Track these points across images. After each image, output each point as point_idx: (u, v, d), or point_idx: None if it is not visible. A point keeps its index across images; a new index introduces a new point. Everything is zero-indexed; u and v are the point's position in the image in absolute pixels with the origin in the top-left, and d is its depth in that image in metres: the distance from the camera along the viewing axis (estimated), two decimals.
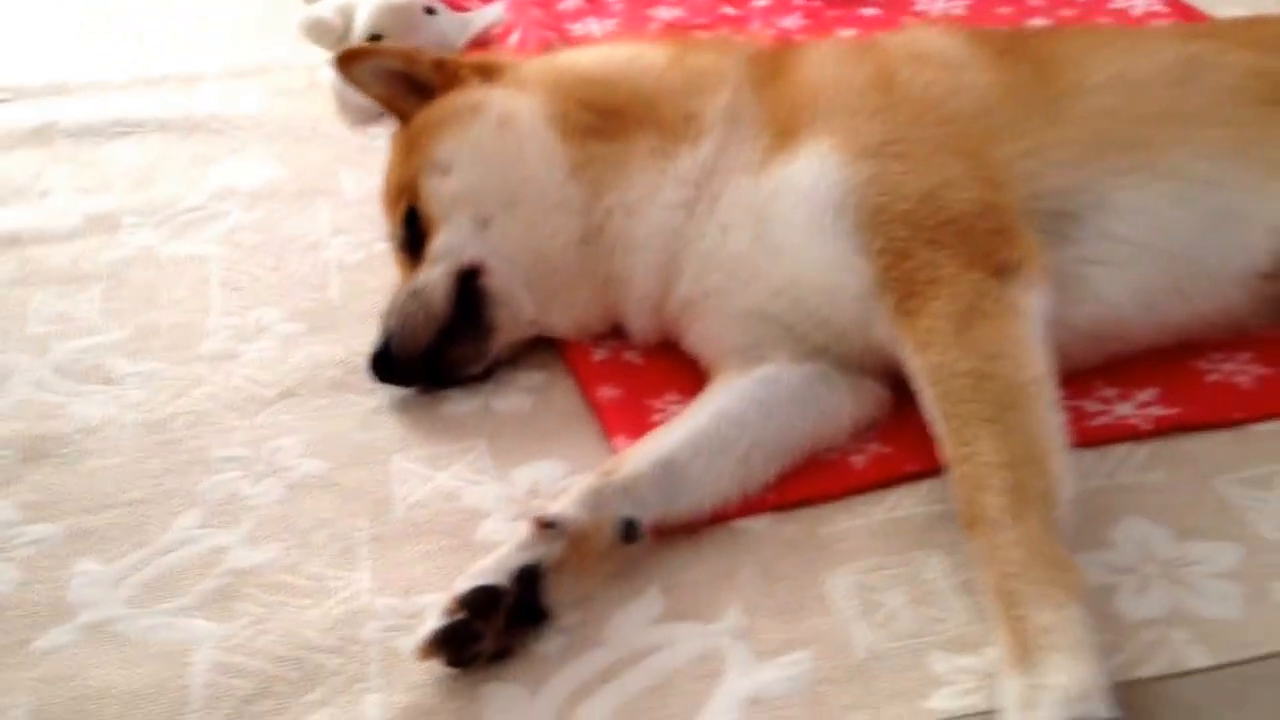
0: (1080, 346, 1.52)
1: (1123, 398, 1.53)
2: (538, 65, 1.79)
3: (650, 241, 1.61)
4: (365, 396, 1.67)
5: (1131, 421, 1.49)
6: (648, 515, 1.37)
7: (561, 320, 1.70)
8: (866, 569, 1.34)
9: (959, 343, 1.35)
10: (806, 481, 1.46)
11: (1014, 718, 1.11)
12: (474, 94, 1.73)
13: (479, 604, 1.24)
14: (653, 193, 1.61)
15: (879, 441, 1.50)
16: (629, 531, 1.35)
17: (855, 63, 1.64)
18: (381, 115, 2.46)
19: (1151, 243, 1.52)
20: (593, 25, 2.82)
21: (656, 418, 1.57)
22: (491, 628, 1.24)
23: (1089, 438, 1.47)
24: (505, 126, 1.68)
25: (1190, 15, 2.57)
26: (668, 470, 1.40)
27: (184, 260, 2.05)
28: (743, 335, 1.55)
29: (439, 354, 1.64)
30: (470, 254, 1.65)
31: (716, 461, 1.43)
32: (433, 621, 1.23)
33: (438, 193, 1.68)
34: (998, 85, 1.59)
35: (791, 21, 2.74)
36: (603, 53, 1.79)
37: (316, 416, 1.64)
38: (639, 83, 1.68)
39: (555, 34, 2.72)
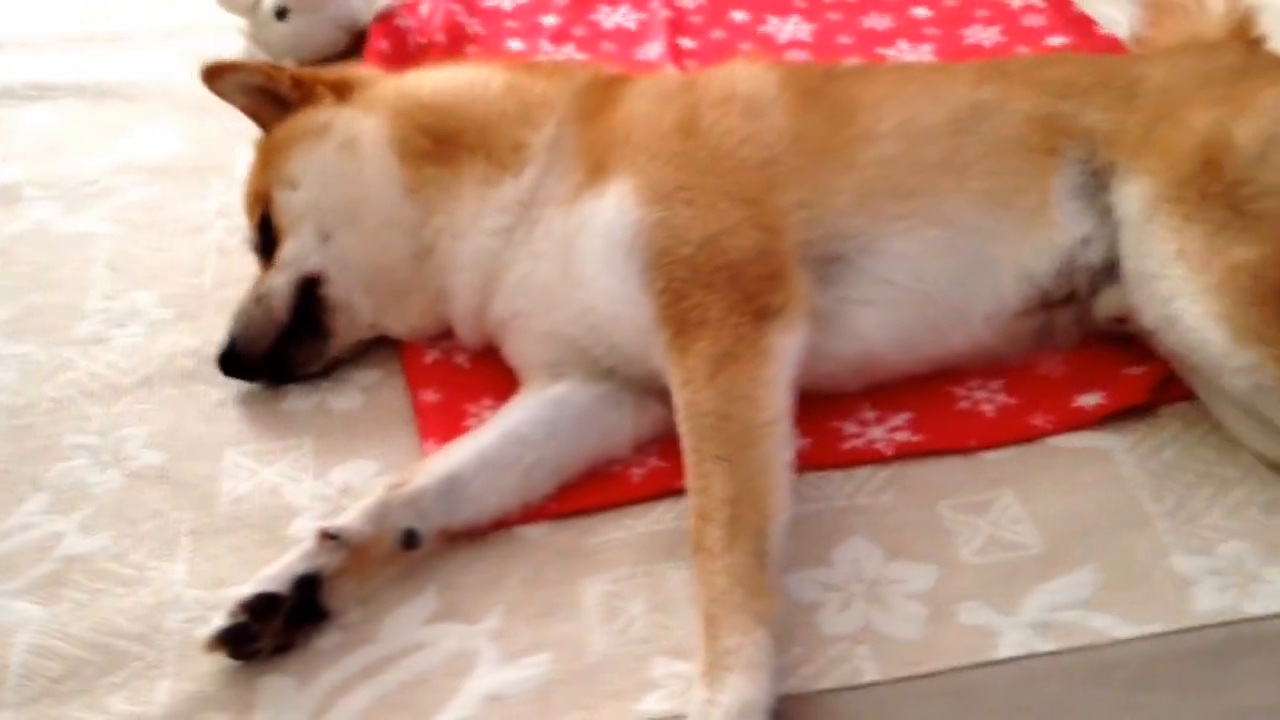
0: (843, 376, 1.69)
1: (879, 421, 1.69)
2: (387, 86, 1.91)
3: (471, 263, 1.76)
4: (213, 388, 1.84)
5: (878, 446, 1.65)
6: (430, 525, 1.54)
7: (397, 324, 1.86)
8: (618, 578, 1.51)
9: (710, 384, 1.51)
10: (586, 492, 1.63)
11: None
12: (324, 114, 1.86)
13: (259, 609, 1.42)
14: (476, 218, 1.75)
15: (659, 456, 1.67)
16: (409, 540, 1.53)
17: (668, 104, 1.76)
18: None
19: (912, 286, 1.66)
20: None
21: (470, 422, 1.74)
22: (269, 629, 1.43)
23: (838, 459, 1.64)
24: (348, 148, 1.82)
25: (1066, 9, 2.68)
26: (451, 484, 1.57)
27: (76, 238, 2.20)
28: (545, 353, 1.71)
29: (280, 354, 1.80)
30: (312, 264, 1.81)
31: (499, 476, 1.59)
32: (218, 621, 1.42)
33: (287, 205, 1.83)
34: (791, 133, 1.72)
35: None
36: (445, 77, 1.91)
37: (165, 406, 1.81)
38: (472, 110, 1.81)
39: (463, 7, 2.83)
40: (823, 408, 1.70)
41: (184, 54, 2.73)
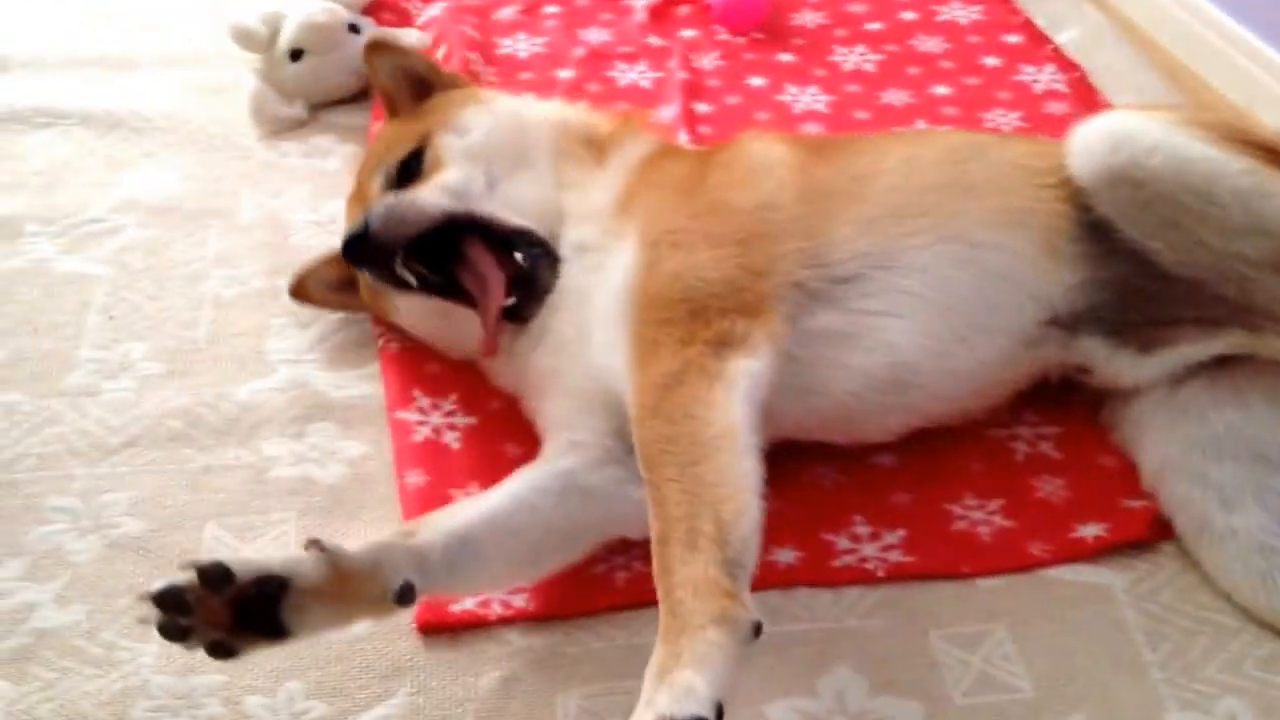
0: (883, 399, 1.66)
1: (873, 537, 1.66)
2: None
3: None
4: (199, 453, 1.81)
5: (869, 566, 1.62)
6: (428, 584, 1.45)
7: None
8: (594, 694, 1.48)
9: (656, 413, 1.47)
10: (566, 594, 1.59)
11: (636, 713, 1.23)
12: (485, 93, 2.02)
13: (209, 577, 1.29)
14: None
15: (644, 560, 1.61)
16: (404, 596, 1.39)
17: (686, 166, 1.81)
18: (296, 126, 2.60)
19: (936, 298, 1.65)
20: (522, 43, 2.90)
21: None
22: (210, 607, 1.29)
23: (829, 578, 1.61)
24: (514, 116, 1.91)
25: (1089, 97, 2.65)
26: (463, 545, 1.49)
27: (73, 278, 2.16)
28: (568, 413, 1.67)
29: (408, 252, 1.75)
30: (472, 203, 1.78)
31: (508, 544, 1.53)
32: (160, 581, 1.29)
33: (452, 146, 1.84)
34: (795, 186, 1.74)
35: (709, 61, 2.82)
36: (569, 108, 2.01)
37: (149, 470, 1.78)
38: (598, 127, 1.93)
39: (479, 54, 2.81)
40: (814, 518, 1.67)
41: (193, 86, 2.74)
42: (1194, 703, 1.45)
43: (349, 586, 1.37)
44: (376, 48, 2.07)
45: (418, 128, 1.90)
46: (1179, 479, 1.63)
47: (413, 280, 1.77)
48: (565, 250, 1.76)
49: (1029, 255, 1.68)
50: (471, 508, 1.56)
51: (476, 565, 1.51)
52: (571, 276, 1.73)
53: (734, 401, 1.48)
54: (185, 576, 1.30)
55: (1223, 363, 1.68)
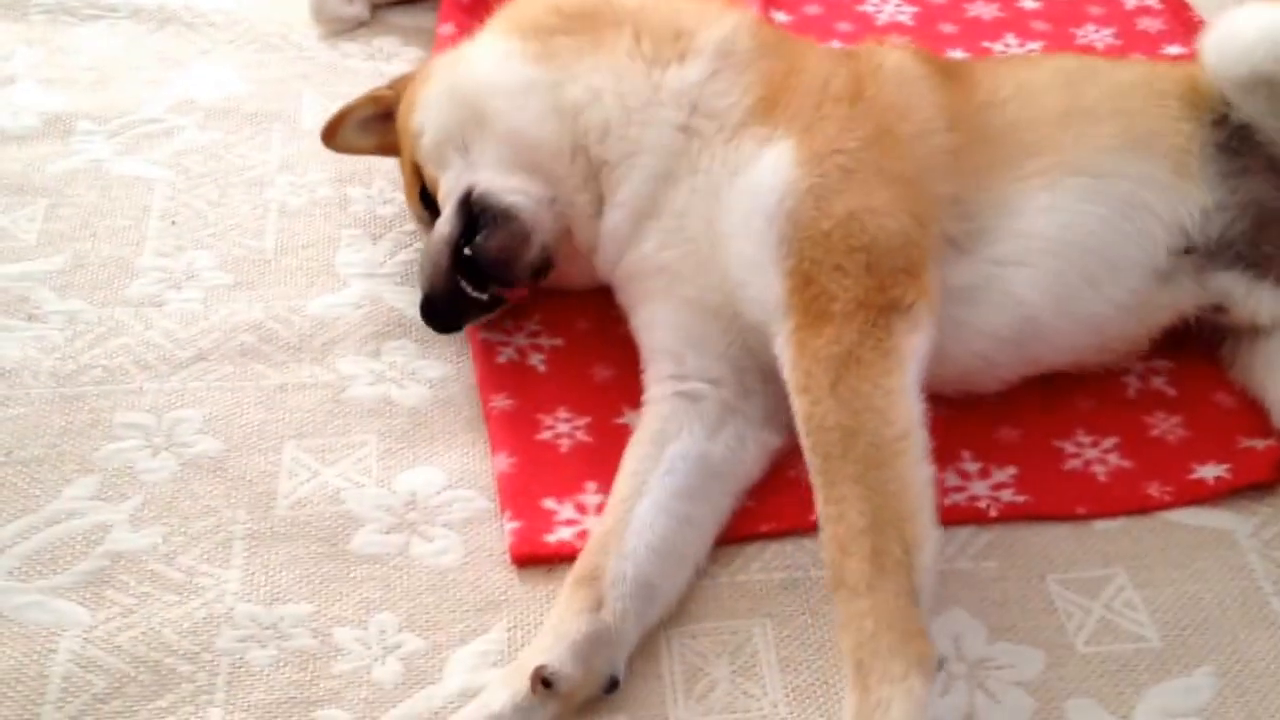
0: (1006, 356, 1.58)
1: (982, 474, 1.59)
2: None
3: (654, 147, 1.61)
4: (273, 370, 1.73)
5: (980, 505, 1.54)
6: (627, 654, 1.38)
7: (567, 203, 1.67)
8: (699, 634, 1.41)
9: (833, 393, 1.38)
10: None
11: None
12: (421, 73, 1.83)
13: None
14: (651, 103, 1.62)
15: (746, 496, 1.56)
16: (612, 686, 1.36)
17: (836, 66, 1.64)
18: (357, 26, 2.49)
19: (1063, 237, 1.56)
20: None
21: (544, 434, 1.64)
22: None
23: (940, 516, 1.53)
24: (451, 68, 1.75)
25: (1183, 13, 2.53)
26: (648, 600, 1.41)
27: (130, 181, 2.07)
28: (682, 330, 1.59)
29: (472, 266, 1.64)
30: (465, 180, 1.68)
31: (678, 573, 1.45)
32: None
33: (426, 154, 1.74)
34: (941, 114, 1.60)
35: None
36: None
37: (222, 387, 1.70)
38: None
39: None
40: None
41: None
42: None
43: (570, 699, 1.33)
44: (328, 136, 1.94)
45: (407, 160, 1.81)
46: None
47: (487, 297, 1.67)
48: (663, 141, 1.60)
49: (1159, 180, 1.59)
50: (637, 540, 1.44)
51: (660, 609, 1.43)
52: (696, 172, 1.59)
53: (911, 393, 1.40)
54: None
55: None
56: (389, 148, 1.89)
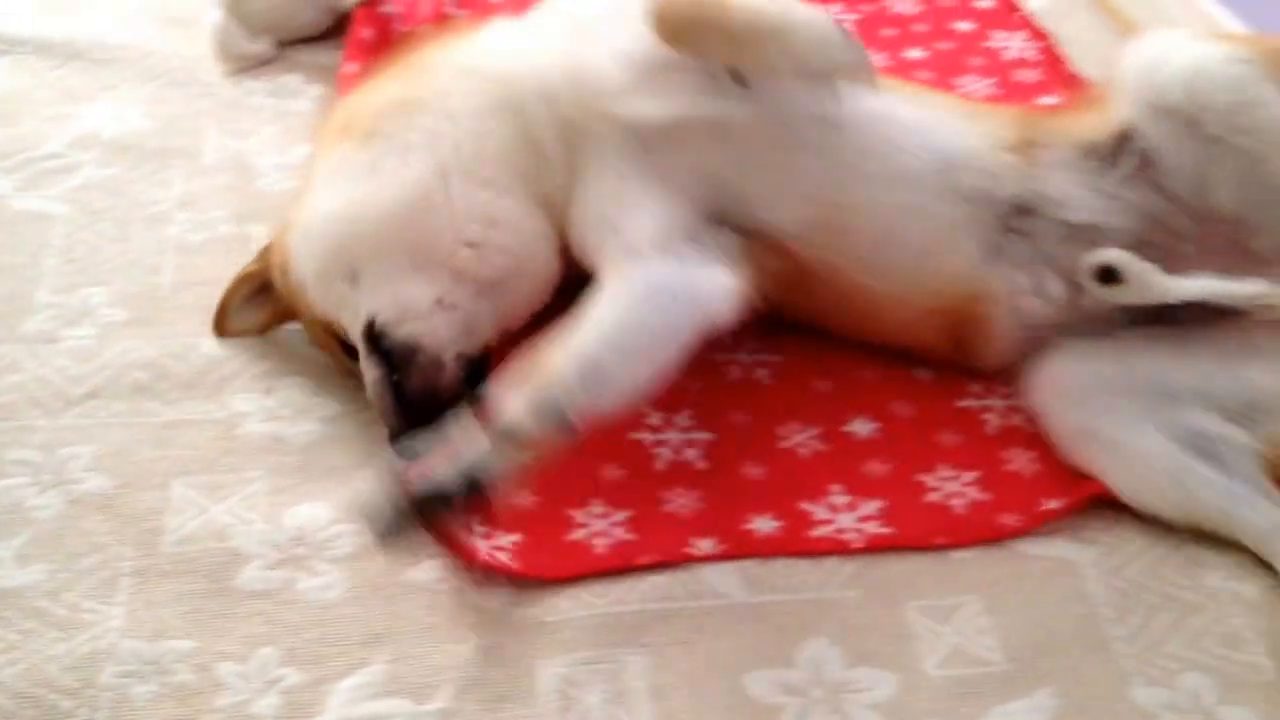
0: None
1: (850, 508, 1.66)
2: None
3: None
4: (165, 407, 1.77)
5: (847, 537, 1.62)
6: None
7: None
8: (576, 662, 1.47)
9: None
10: (546, 561, 1.58)
11: None
12: (277, 236, 1.83)
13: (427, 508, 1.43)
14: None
15: (625, 527, 1.63)
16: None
17: None
18: (262, 64, 2.53)
19: None
20: None
21: None
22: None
23: (807, 548, 1.61)
24: (303, 207, 1.79)
25: (1058, 66, 2.64)
26: (599, 378, 1.51)
27: (29, 217, 2.10)
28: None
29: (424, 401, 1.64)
30: (364, 312, 1.67)
31: (631, 365, 1.54)
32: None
33: (319, 303, 1.73)
34: None
35: None
36: None
37: (113, 424, 1.74)
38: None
39: None
40: (793, 488, 1.68)
41: (156, 16, 2.64)
42: (1158, 678, 1.47)
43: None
44: (220, 330, 1.87)
45: (313, 324, 1.79)
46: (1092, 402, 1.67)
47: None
48: None
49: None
50: (585, 333, 1.54)
51: (610, 392, 1.53)
52: None
53: None
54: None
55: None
56: (284, 315, 1.84)
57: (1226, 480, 1.60)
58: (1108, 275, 1.64)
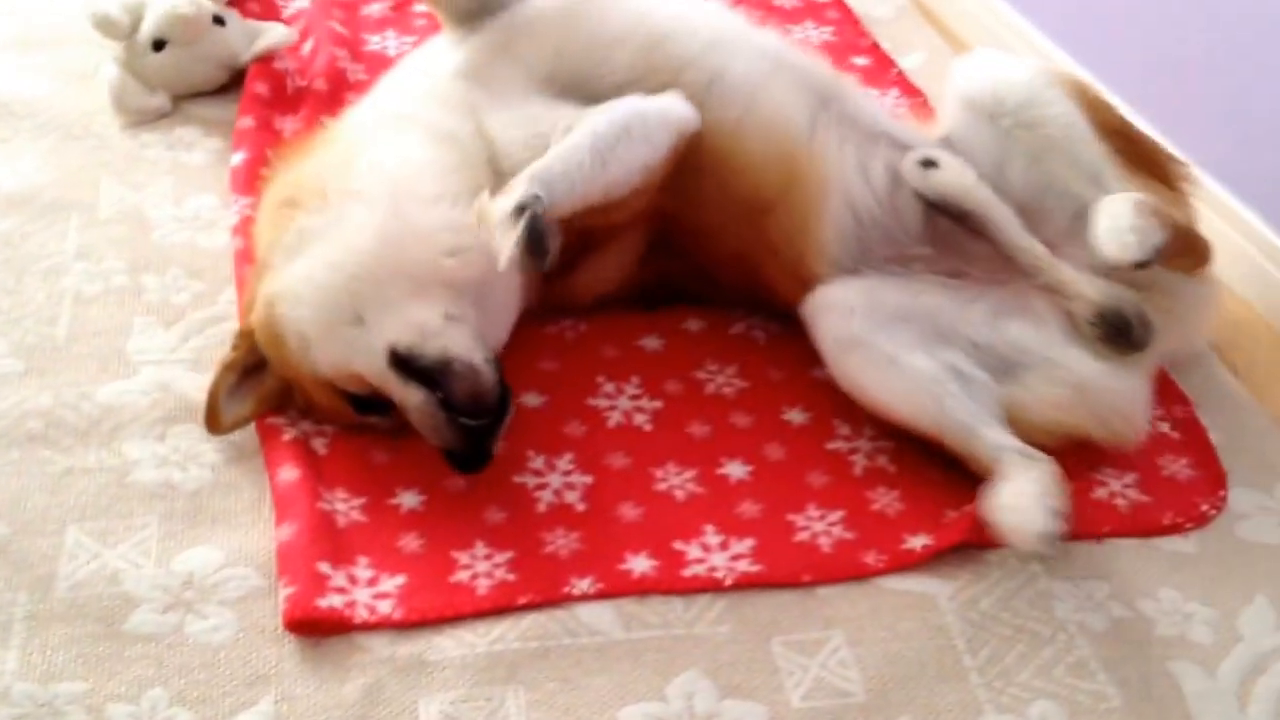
0: None
1: (722, 547, 1.75)
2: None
3: None
4: (59, 454, 1.81)
5: (718, 575, 1.71)
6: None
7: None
8: (458, 700, 1.54)
9: None
10: (428, 601, 1.64)
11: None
12: (256, 311, 1.88)
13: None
14: None
15: (507, 568, 1.70)
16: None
17: None
18: (158, 117, 2.58)
19: None
20: (391, 40, 2.91)
21: (323, 505, 1.74)
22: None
23: (680, 586, 1.70)
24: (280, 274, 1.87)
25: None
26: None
27: None
28: None
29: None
30: (380, 345, 1.75)
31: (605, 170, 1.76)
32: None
33: (326, 357, 1.78)
34: None
35: None
36: None
37: (7, 472, 1.77)
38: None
39: (347, 50, 2.81)
40: (668, 528, 1.76)
41: (52, 70, 2.69)
42: (1009, 706, 1.58)
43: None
44: (213, 429, 1.84)
45: (317, 384, 1.83)
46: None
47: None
48: None
49: None
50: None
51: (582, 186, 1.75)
52: None
53: None
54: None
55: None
56: (275, 396, 1.85)
57: (974, 405, 1.80)
58: (928, 163, 1.94)
